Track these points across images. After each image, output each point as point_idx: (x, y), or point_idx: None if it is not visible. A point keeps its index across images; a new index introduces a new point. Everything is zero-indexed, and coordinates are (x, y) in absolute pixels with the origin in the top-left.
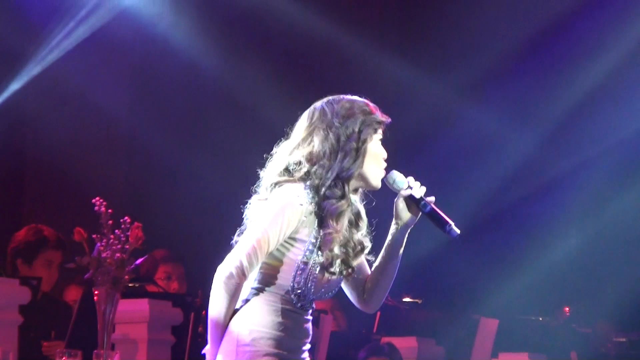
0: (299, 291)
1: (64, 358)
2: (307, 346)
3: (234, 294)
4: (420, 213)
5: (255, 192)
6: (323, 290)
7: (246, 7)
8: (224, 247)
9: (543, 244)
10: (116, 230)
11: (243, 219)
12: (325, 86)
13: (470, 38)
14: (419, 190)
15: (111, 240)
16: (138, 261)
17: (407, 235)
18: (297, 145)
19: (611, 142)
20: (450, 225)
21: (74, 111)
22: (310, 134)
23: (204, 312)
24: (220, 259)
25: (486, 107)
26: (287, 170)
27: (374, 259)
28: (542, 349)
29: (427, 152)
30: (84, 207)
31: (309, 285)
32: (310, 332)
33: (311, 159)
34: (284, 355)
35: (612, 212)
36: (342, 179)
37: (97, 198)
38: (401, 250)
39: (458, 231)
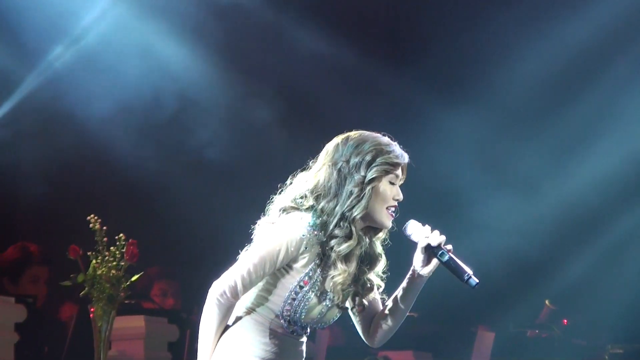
0: (289, 317)
1: None
2: None
3: (225, 312)
4: (438, 262)
5: (266, 214)
6: (315, 320)
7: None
8: (219, 262)
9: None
10: (111, 247)
11: (241, 236)
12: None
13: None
14: (437, 239)
15: (106, 257)
16: (133, 278)
17: (422, 285)
18: (308, 177)
19: None
20: (469, 274)
21: (66, 128)
22: (319, 168)
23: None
24: (215, 275)
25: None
26: (295, 200)
27: (386, 297)
28: None
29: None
30: (78, 225)
31: (300, 313)
32: (304, 355)
33: (315, 193)
34: None
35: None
36: (347, 219)
37: (92, 215)
38: (413, 298)
39: (477, 280)
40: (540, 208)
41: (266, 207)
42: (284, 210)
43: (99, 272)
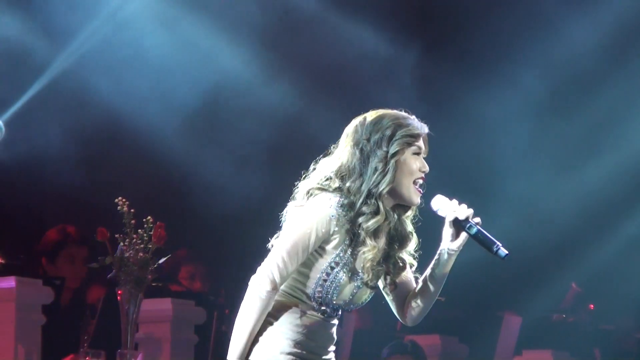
0: (320, 299)
1: (87, 358)
2: (332, 349)
3: (266, 306)
4: (467, 236)
5: (293, 199)
6: (346, 301)
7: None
8: (247, 246)
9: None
10: (139, 230)
11: (269, 218)
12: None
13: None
14: (464, 212)
15: (134, 240)
16: (161, 260)
17: (453, 260)
18: (331, 161)
19: None
20: (498, 245)
21: (96, 107)
22: (342, 150)
23: (227, 311)
24: (243, 259)
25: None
26: (321, 183)
27: (419, 275)
28: (565, 347)
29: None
30: (107, 207)
31: (331, 294)
32: (335, 338)
33: (340, 174)
34: (304, 355)
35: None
36: (373, 195)
37: (120, 197)
38: (445, 274)
39: (506, 252)
40: (568, 191)
41: (292, 194)
42: (310, 194)
43: (127, 254)
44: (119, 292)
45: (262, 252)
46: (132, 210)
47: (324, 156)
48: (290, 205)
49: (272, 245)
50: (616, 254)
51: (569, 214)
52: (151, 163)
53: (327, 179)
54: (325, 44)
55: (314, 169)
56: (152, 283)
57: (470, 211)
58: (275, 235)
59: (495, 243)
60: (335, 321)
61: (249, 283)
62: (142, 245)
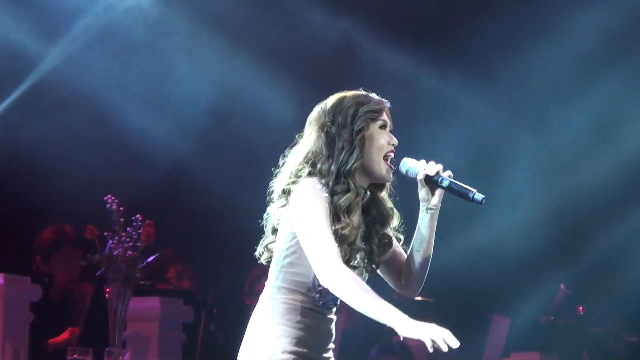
0: (320, 288)
1: (75, 355)
2: (331, 346)
3: (355, 278)
4: (442, 190)
5: (271, 202)
6: None
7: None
8: (232, 243)
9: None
10: (128, 228)
11: (254, 218)
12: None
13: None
14: (433, 168)
15: (123, 238)
16: (150, 259)
17: (435, 218)
18: (299, 150)
19: None
20: (473, 192)
21: (82, 110)
22: (307, 137)
23: (215, 310)
24: (229, 256)
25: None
26: (293, 175)
27: (407, 246)
28: (554, 349)
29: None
30: (95, 205)
31: None
32: (334, 333)
33: (309, 161)
34: (305, 353)
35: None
36: (344, 174)
37: (109, 195)
38: (430, 233)
39: (482, 196)
40: (556, 194)
41: (268, 196)
42: (286, 192)
43: (115, 252)
44: (107, 290)
45: (250, 252)
46: (121, 209)
47: (290, 148)
48: (272, 208)
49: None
50: (605, 257)
51: (556, 216)
52: (139, 162)
53: (298, 170)
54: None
55: (284, 162)
56: (140, 281)
57: (440, 166)
58: (260, 243)
59: (470, 190)
60: (334, 316)
61: (327, 284)
62: (131, 244)
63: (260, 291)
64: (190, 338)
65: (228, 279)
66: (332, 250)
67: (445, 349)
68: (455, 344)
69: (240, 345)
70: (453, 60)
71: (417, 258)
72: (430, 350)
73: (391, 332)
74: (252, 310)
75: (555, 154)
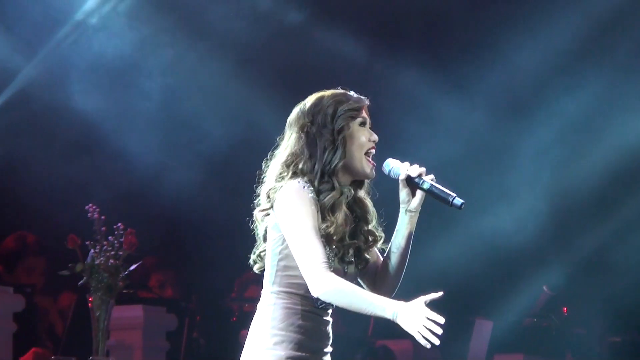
0: None
1: None
2: (329, 349)
3: (340, 281)
4: (423, 193)
5: (257, 205)
6: None
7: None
8: (215, 250)
9: None
10: (109, 237)
11: (235, 225)
12: None
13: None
14: (416, 170)
15: (105, 247)
16: (132, 267)
17: (414, 222)
18: (281, 153)
19: None
20: (453, 196)
21: (62, 117)
22: (288, 139)
23: (198, 317)
24: (211, 264)
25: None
26: (278, 178)
27: (386, 246)
28: (537, 351)
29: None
30: (77, 214)
31: None
32: (331, 335)
33: (291, 163)
34: (306, 358)
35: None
36: (327, 173)
37: (90, 205)
38: (408, 235)
39: (462, 201)
40: (539, 196)
41: (255, 201)
42: (270, 197)
43: (97, 261)
44: (90, 299)
45: (232, 259)
46: (102, 217)
47: (273, 151)
48: (258, 213)
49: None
50: (588, 257)
51: (540, 217)
52: (120, 170)
53: (280, 173)
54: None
55: (268, 167)
56: (123, 290)
57: (423, 169)
58: (253, 252)
59: (449, 195)
60: (330, 318)
61: (316, 294)
62: (112, 252)
63: (248, 298)
64: (173, 346)
65: (211, 286)
66: (317, 257)
67: (436, 341)
68: (439, 330)
69: (222, 351)
70: (438, 58)
71: (394, 260)
72: (422, 342)
73: (375, 336)
74: (237, 316)
75: (540, 154)
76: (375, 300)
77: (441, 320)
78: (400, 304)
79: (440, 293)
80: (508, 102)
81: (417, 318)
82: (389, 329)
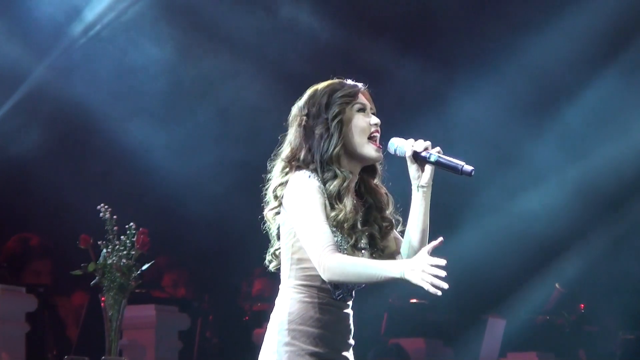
0: None
1: None
2: (351, 342)
3: (341, 259)
4: (432, 167)
5: (266, 204)
6: None
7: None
8: (227, 250)
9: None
10: (122, 237)
11: (248, 225)
12: None
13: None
14: (421, 145)
15: (117, 247)
16: (145, 267)
17: (428, 196)
18: (283, 151)
19: None
20: (462, 165)
21: (75, 120)
22: (289, 135)
23: (210, 317)
24: (224, 263)
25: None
26: (282, 173)
27: (404, 228)
28: (550, 348)
29: None
30: (89, 214)
31: None
32: (352, 329)
33: (292, 158)
34: (325, 353)
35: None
36: (326, 161)
37: (102, 204)
38: (425, 211)
39: (472, 167)
40: (553, 193)
41: (263, 202)
42: (277, 194)
43: (110, 261)
44: (102, 298)
45: (247, 260)
46: (114, 217)
47: (277, 149)
48: (268, 212)
49: (277, 263)
50: (601, 256)
51: (552, 216)
52: (132, 170)
53: (283, 168)
54: None
55: (273, 166)
56: (135, 289)
57: (428, 143)
58: (267, 252)
59: (458, 164)
60: (350, 310)
61: (324, 277)
62: (125, 252)
63: (257, 295)
64: (186, 345)
65: (223, 285)
66: (321, 241)
67: (444, 285)
68: (442, 272)
69: (235, 350)
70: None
71: (414, 238)
72: (432, 290)
73: (387, 335)
74: (249, 316)
75: (546, 154)
76: (382, 265)
77: (442, 262)
78: (406, 261)
79: (440, 239)
80: (529, 97)
81: (421, 267)
82: (403, 327)
